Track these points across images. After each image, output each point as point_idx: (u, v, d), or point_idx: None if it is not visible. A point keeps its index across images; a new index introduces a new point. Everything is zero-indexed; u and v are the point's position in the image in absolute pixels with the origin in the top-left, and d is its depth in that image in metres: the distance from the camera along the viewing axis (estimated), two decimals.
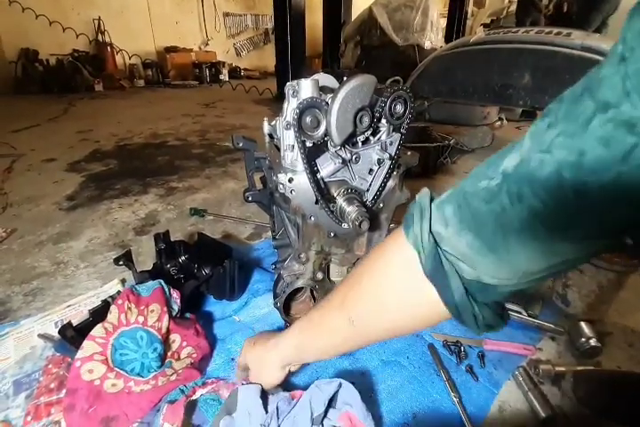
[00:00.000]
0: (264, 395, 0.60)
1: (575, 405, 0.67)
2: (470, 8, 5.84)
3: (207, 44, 6.34)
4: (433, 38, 3.67)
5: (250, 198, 0.94)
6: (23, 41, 4.39)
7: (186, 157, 2.15)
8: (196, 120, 3.11)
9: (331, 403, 0.61)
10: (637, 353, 0.82)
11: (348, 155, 0.67)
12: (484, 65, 2.16)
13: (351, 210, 0.66)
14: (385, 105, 0.63)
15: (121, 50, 5.17)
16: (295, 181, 0.66)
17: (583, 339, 0.79)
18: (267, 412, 0.58)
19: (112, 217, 1.40)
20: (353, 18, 4.54)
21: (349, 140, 0.66)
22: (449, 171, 2.01)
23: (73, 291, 1.00)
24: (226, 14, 6.45)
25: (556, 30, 1.93)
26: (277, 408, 0.58)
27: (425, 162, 1.86)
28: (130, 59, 5.30)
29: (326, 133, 0.63)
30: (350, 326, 0.46)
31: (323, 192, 0.68)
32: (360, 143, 0.67)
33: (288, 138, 0.66)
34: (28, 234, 1.28)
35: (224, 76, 5.67)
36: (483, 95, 2.18)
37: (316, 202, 0.68)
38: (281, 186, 0.67)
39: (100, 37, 4.99)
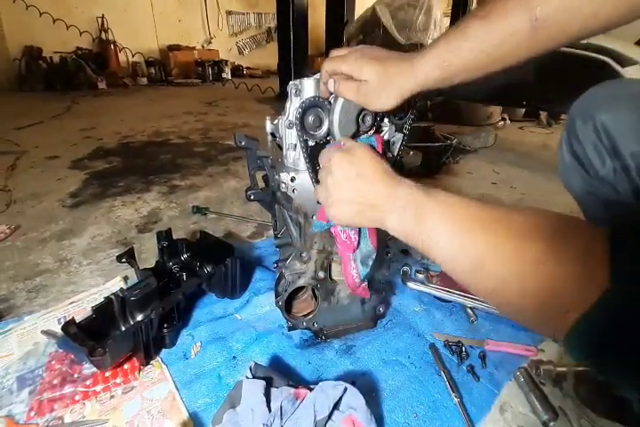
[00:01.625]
0: (267, 391, 0.61)
1: (577, 405, 0.67)
2: (474, 7, 5.81)
3: (210, 43, 6.34)
4: (436, 37, 3.65)
5: (252, 197, 0.94)
6: (27, 38, 4.40)
7: (188, 155, 2.15)
8: (198, 118, 3.11)
9: (336, 405, 0.61)
10: None
11: None
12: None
13: None
14: None
15: (124, 48, 5.17)
16: (297, 181, 0.66)
17: None
18: (270, 410, 0.58)
19: (115, 214, 1.41)
20: (356, 17, 4.54)
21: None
22: (451, 171, 2.01)
23: (76, 288, 1.00)
24: (229, 12, 6.45)
25: None
26: (281, 408, 0.58)
27: (427, 162, 1.86)
28: (133, 57, 5.31)
29: (329, 133, 0.63)
30: (531, 28, 0.41)
31: None
32: None
33: (290, 137, 0.66)
34: (32, 231, 1.28)
35: (226, 74, 5.68)
36: (486, 95, 2.17)
37: (318, 201, 0.68)
38: (283, 185, 0.67)
39: (103, 35, 5.00)
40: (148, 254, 1.15)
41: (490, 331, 0.86)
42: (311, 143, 0.64)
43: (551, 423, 0.64)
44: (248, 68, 6.45)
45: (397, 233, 0.47)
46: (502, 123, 2.99)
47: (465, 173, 2.01)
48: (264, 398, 0.58)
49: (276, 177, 0.68)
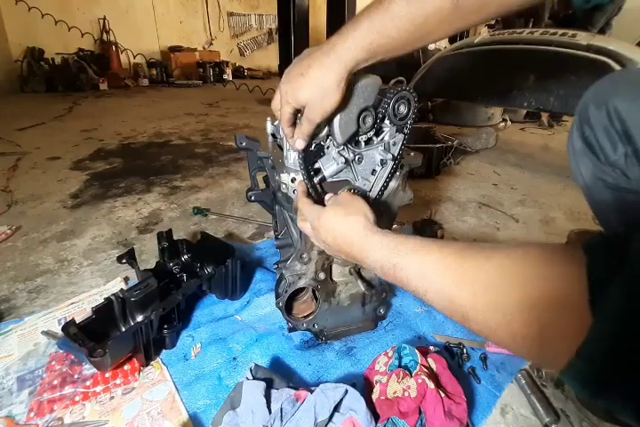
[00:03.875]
0: (268, 392, 0.60)
1: (579, 408, 0.67)
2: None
3: (211, 44, 6.36)
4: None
5: (252, 198, 0.94)
6: (29, 40, 4.41)
7: (189, 156, 2.15)
8: (199, 119, 3.12)
9: (336, 407, 0.61)
10: None
11: (351, 155, 0.67)
12: (488, 66, 2.15)
13: None
14: (388, 106, 0.63)
15: (125, 49, 5.19)
16: (298, 181, 0.66)
17: None
18: (270, 411, 0.58)
19: (115, 215, 1.41)
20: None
21: (352, 140, 0.66)
22: (452, 172, 2.00)
23: (76, 289, 1.00)
24: (230, 14, 6.46)
25: (560, 31, 1.92)
26: (282, 409, 0.58)
27: (428, 163, 1.86)
28: (134, 58, 5.32)
29: (329, 134, 0.63)
30: (453, 6, 0.43)
31: (321, 195, 0.69)
32: (363, 143, 0.67)
33: None
34: (33, 231, 1.28)
35: (228, 75, 5.68)
36: (487, 96, 2.17)
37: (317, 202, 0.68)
38: (283, 186, 0.67)
39: (105, 37, 5.01)
40: (149, 255, 1.15)
41: None
42: (311, 147, 0.64)
43: (553, 426, 0.64)
44: (249, 69, 6.46)
45: (384, 280, 0.52)
46: (503, 124, 2.99)
47: (466, 173, 2.00)
48: (264, 400, 0.58)
49: (277, 178, 0.68)
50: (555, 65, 1.82)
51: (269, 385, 0.62)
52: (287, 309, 0.81)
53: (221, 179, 1.81)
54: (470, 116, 2.97)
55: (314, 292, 0.84)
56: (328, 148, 0.65)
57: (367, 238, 0.50)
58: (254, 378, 0.62)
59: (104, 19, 4.95)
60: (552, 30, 1.95)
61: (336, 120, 0.60)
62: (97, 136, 2.51)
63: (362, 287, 0.81)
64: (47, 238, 1.25)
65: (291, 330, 0.82)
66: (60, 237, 1.26)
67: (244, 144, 0.86)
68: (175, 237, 0.98)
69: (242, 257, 1.01)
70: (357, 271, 0.81)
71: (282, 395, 0.60)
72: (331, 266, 0.79)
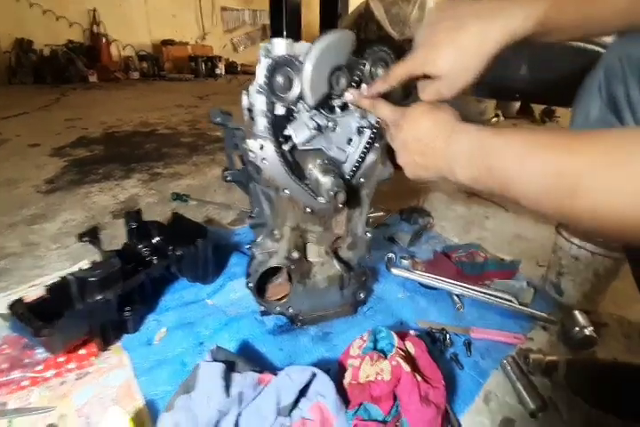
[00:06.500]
0: (227, 375, 0.55)
1: (568, 395, 0.62)
2: None
3: (204, 39, 6.27)
4: None
5: (228, 178, 0.88)
6: (18, 31, 4.31)
7: (174, 145, 2.09)
8: (188, 111, 3.05)
9: (304, 392, 0.56)
10: (635, 345, 0.77)
11: (325, 121, 0.62)
12: None
13: (326, 180, 0.62)
14: (365, 67, 0.59)
15: (115, 40, 5.09)
16: (267, 149, 0.61)
17: (577, 328, 0.74)
18: (229, 396, 0.53)
19: (91, 200, 1.35)
20: (349, 11, 4.49)
21: (326, 105, 0.61)
22: None
23: (41, 271, 0.94)
24: (223, 9, 6.38)
25: None
26: (241, 393, 0.53)
27: None
28: (124, 49, 5.22)
29: (300, 96, 0.58)
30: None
31: (291, 164, 0.64)
32: (338, 109, 0.62)
33: (260, 102, 0.61)
34: (2, 215, 1.22)
35: (220, 70, 5.61)
36: (478, 88, 2.13)
37: (289, 174, 0.63)
38: (251, 154, 0.62)
39: (95, 29, 4.92)
40: (121, 240, 1.08)
41: (476, 319, 0.81)
42: (281, 109, 0.59)
43: (540, 414, 0.59)
44: (243, 64, 6.39)
45: (468, 179, 0.41)
46: (496, 119, 2.95)
47: None
48: (222, 383, 0.53)
49: (244, 145, 0.63)
50: (548, 54, 1.79)
51: (231, 369, 0.57)
52: (261, 291, 0.76)
53: (205, 167, 1.75)
54: (462, 111, 2.93)
55: (289, 275, 0.79)
56: (299, 112, 0.61)
57: (457, 127, 0.44)
58: (215, 361, 0.56)
59: (94, 10, 4.86)
60: None
61: (306, 78, 0.55)
62: (81, 125, 2.44)
63: (338, 268, 0.76)
64: (16, 222, 1.18)
65: (263, 313, 0.77)
66: (30, 221, 1.19)
67: (218, 119, 0.81)
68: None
69: (216, 239, 0.96)
70: (334, 251, 0.76)
71: (245, 379, 0.55)
72: (305, 244, 0.74)
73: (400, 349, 0.59)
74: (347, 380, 0.59)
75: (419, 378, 0.55)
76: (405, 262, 0.95)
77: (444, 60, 0.45)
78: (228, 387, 0.53)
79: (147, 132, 2.35)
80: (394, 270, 0.92)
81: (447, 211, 1.39)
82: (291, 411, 0.53)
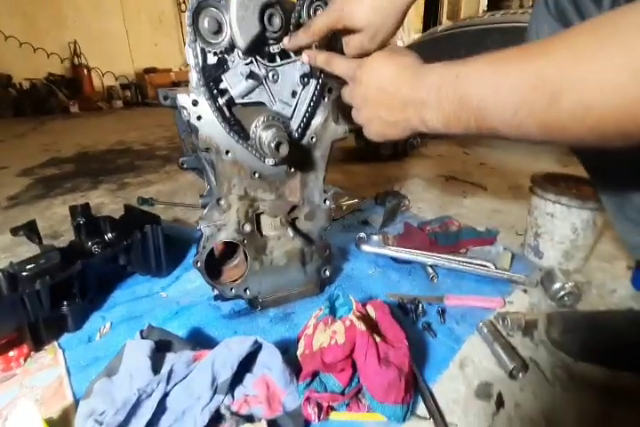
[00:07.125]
0: (161, 356, 0.48)
1: (550, 352, 0.55)
2: (444, 21, 6.05)
3: (187, 65, 6.40)
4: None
5: (185, 165, 0.83)
6: None
7: (148, 158, 2.05)
8: (168, 129, 3.04)
9: (249, 367, 0.49)
10: (619, 302, 0.71)
11: (263, 70, 0.58)
12: (450, 48, 2.14)
13: (267, 134, 0.57)
14: (302, 8, 0.55)
15: (96, 69, 5.16)
16: (202, 105, 0.57)
17: (558, 285, 0.68)
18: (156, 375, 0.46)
19: (51, 212, 1.29)
20: None
21: (262, 52, 0.57)
22: (420, 154, 1.93)
23: None
24: None
25: (521, 11, 1.98)
26: (171, 371, 0.46)
27: (395, 144, 1.78)
28: (103, 78, 5.29)
29: (232, 42, 0.54)
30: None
31: (230, 121, 0.59)
32: (278, 57, 0.58)
33: (190, 54, 0.57)
34: None
35: None
36: None
37: (229, 132, 0.58)
38: (185, 112, 0.58)
39: (76, 60, 4.99)
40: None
41: (452, 287, 0.75)
42: (213, 58, 0.55)
43: (520, 375, 0.52)
44: None
45: (441, 119, 0.38)
46: None
47: (435, 155, 1.93)
48: (149, 362, 0.46)
49: (177, 102, 0.58)
50: (518, 39, 1.81)
51: (167, 349, 0.50)
52: (215, 274, 0.70)
53: (177, 174, 1.71)
54: None
55: (245, 253, 0.73)
56: (233, 62, 0.56)
57: (420, 69, 0.41)
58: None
59: (75, 43, 4.95)
60: (512, 11, 2.03)
61: (232, 15, 0.51)
62: (55, 148, 2.41)
63: (298, 242, 0.70)
64: None
65: (217, 298, 0.70)
66: None
67: (167, 102, 0.76)
68: None
69: (176, 232, 0.90)
70: (291, 223, 0.71)
71: (179, 357, 0.48)
72: (258, 216, 0.68)
73: (358, 311, 0.53)
74: (300, 350, 0.53)
75: (377, 339, 0.48)
76: (375, 238, 0.89)
77: (361, 13, 0.44)
78: (157, 366, 0.46)
79: (121, 149, 2.32)
80: (364, 247, 0.86)
81: (424, 193, 1.34)
82: (233, 388, 0.46)
